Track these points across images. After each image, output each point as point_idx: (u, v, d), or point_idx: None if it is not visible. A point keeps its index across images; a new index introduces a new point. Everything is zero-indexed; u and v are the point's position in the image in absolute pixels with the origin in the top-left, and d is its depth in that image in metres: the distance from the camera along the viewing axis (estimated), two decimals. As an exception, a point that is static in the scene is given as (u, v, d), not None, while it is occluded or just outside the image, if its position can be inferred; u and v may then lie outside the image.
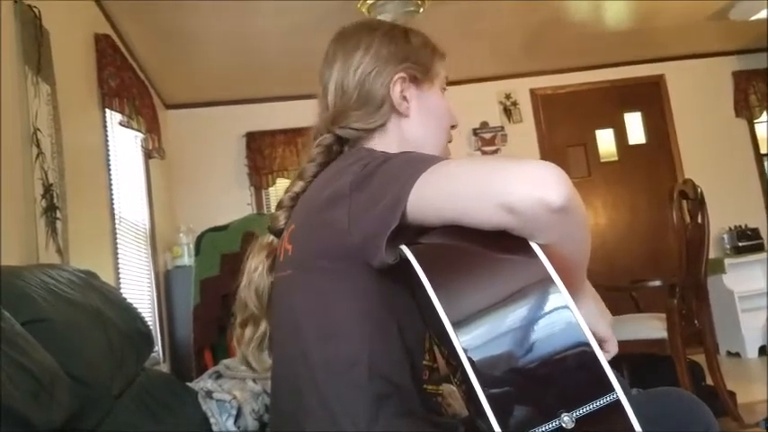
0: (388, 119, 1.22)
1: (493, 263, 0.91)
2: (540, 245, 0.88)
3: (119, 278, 3.56)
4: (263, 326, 1.26)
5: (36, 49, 2.55)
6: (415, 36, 1.28)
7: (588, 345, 0.82)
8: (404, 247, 0.92)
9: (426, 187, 0.92)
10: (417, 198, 0.92)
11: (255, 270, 1.27)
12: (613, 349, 1.08)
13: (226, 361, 1.92)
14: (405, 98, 1.23)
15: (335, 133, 1.22)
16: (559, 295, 0.85)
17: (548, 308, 0.84)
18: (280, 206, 1.26)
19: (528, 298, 0.85)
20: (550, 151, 5.93)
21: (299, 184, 1.23)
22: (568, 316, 0.84)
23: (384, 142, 1.22)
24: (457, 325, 0.82)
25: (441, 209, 0.92)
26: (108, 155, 3.63)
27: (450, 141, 1.31)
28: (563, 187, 0.84)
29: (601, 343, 1.07)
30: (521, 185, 0.84)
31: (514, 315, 0.84)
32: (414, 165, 0.97)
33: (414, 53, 1.25)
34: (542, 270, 0.86)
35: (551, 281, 0.85)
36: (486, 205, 0.86)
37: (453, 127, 1.31)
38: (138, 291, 4.11)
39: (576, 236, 0.93)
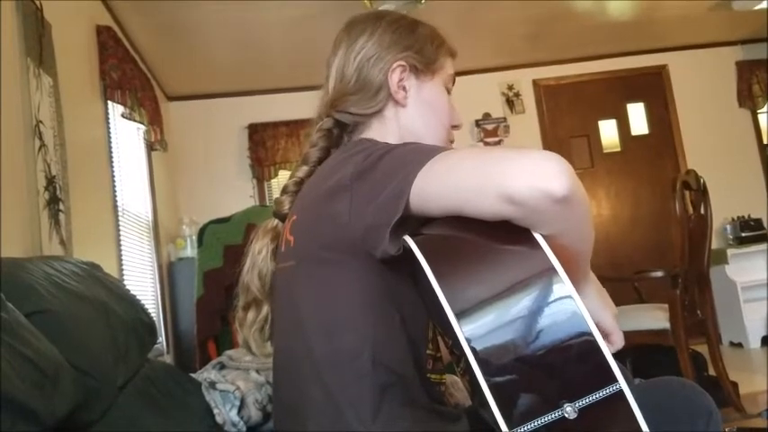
0: (384, 106, 1.22)
1: (496, 253, 0.91)
2: (543, 235, 0.89)
3: (122, 270, 3.57)
4: (266, 309, 1.27)
5: (38, 42, 2.55)
6: (423, 28, 1.27)
7: (591, 335, 0.83)
8: (407, 238, 0.92)
9: (429, 178, 0.92)
10: (420, 189, 0.92)
11: (260, 253, 1.27)
12: (619, 342, 1.08)
13: (229, 352, 1.93)
14: (403, 87, 1.22)
15: (334, 117, 1.22)
16: (562, 285, 0.85)
17: (550, 298, 0.85)
18: (285, 191, 1.26)
19: (531, 288, 0.86)
20: (553, 142, 5.92)
21: (304, 169, 1.24)
22: (571, 306, 0.84)
23: (382, 131, 1.21)
24: (460, 315, 0.82)
25: (443, 199, 0.92)
26: (110, 147, 3.63)
27: (452, 141, 1.30)
28: (565, 178, 0.83)
29: (606, 336, 1.07)
30: (522, 176, 0.84)
31: (517, 305, 0.84)
32: (416, 155, 0.97)
33: (417, 44, 1.24)
34: (545, 260, 0.86)
35: (554, 271, 0.85)
36: (487, 196, 0.86)
37: (456, 127, 1.30)
38: (142, 282, 4.12)
39: (579, 226, 0.93)
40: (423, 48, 1.24)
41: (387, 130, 1.22)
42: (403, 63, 1.22)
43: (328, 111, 1.23)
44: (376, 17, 1.27)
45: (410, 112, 1.23)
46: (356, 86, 1.21)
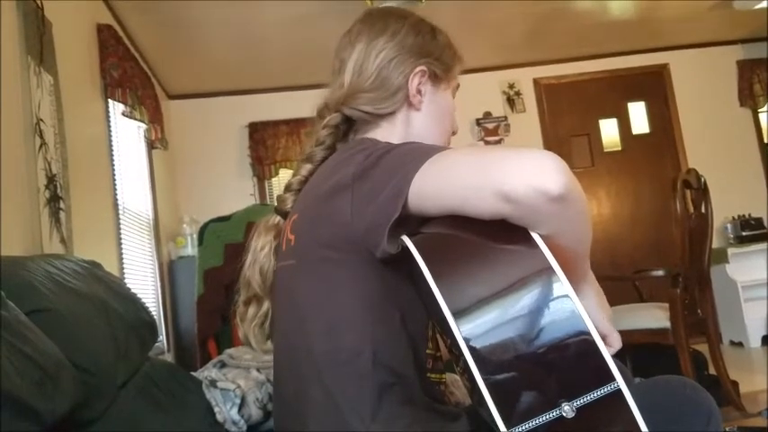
0: (398, 108, 1.23)
1: (494, 253, 0.91)
2: (540, 235, 0.89)
3: (122, 268, 3.57)
4: (266, 305, 1.27)
5: (38, 40, 2.55)
6: (441, 35, 1.29)
7: (589, 334, 0.83)
8: (405, 238, 0.92)
9: (427, 177, 0.93)
10: (418, 188, 0.93)
11: (262, 250, 1.27)
12: (617, 343, 1.08)
13: (230, 350, 1.93)
14: (419, 92, 1.23)
15: (344, 113, 1.22)
16: (560, 285, 0.85)
17: (548, 297, 0.85)
18: (288, 189, 1.26)
19: (528, 287, 0.86)
20: (554, 141, 5.91)
21: (308, 167, 1.23)
22: (569, 305, 0.84)
23: (389, 132, 1.22)
24: (457, 314, 0.82)
25: (441, 198, 0.92)
26: (111, 145, 3.64)
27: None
28: (561, 176, 0.84)
29: (603, 338, 1.07)
30: (518, 174, 0.84)
31: (515, 305, 0.84)
32: (415, 155, 0.97)
33: (438, 50, 1.26)
34: (543, 260, 0.86)
35: (552, 270, 0.86)
36: (484, 194, 0.86)
37: (453, 133, 1.33)
38: (142, 281, 4.13)
39: (576, 226, 0.93)
40: (442, 55, 1.26)
41: (394, 131, 1.23)
42: (424, 68, 1.23)
43: (338, 106, 1.23)
44: (397, 16, 1.27)
45: (421, 117, 1.25)
46: (374, 85, 1.22)
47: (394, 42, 1.22)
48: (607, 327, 1.08)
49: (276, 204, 1.28)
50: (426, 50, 1.24)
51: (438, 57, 1.26)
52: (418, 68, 1.22)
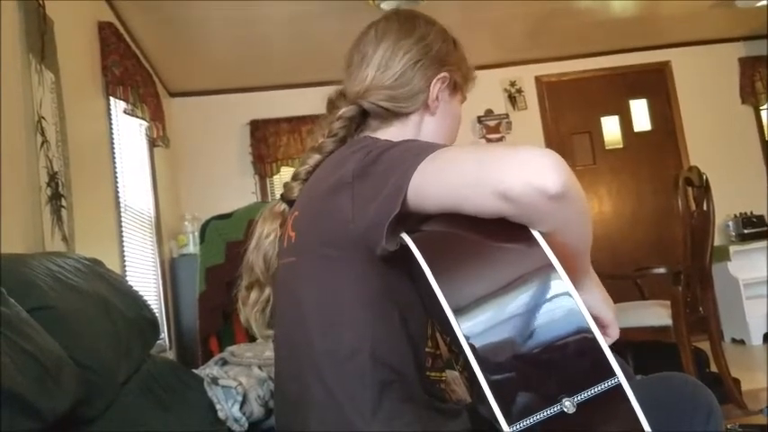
0: (414, 111, 1.24)
1: (494, 250, 0.91)
2: (540, 232, 0.89)
3: (124, 266, 3.57)
4: (267, 291, 1.27)
5: (40, 38, 2.55)
6: (460, 48, 1.32)
7: (589, 331, 0.83)
8: (404, 236, 0.92)
9: (426, 175, 0.93)
10: (418, 185, 0.93)
11: (267, 237, 1.27)
12: (614, 334, 1.09)
13: (231, 348, 1.93)
14: (437, 97, 1.25)
15: (362, 106, 1.22)
16: (560, 282, 0.85)
17: (549, 294, 0.85)
18: (296, 178, 1.26)
19: (529, 285, 0.86)
20: (555, 139, 5.91)
21: (316, 158, 1.23)
22: (570, 302, 0.84)
23: (399, 132, 1.22)
24: (458, 312, 0.82)
25: (440, 196, 0.92)
26: (112, 143, 3.64)
27: None
28: (560, 174, 0.83)
29: (604, 328, 1.07)
30: (516, 172, 0.84)
31: (516, 302, 0.84)
32: (415, 152, 0.97)
33: (459, 61, 1.30)
34: (543, 257, 0.86)
35: (552, 268, 0.86)
36: (483, 193, 0.87)
37: None
38: (144, 279, 4.13)
39: (576, 224, 0.93)
40: (461, 66, 1.30)
41: (404, 131, 1.23)
42: (446, 75, 1.25)
43: (356, 98, 1.23)
44: (426, 21, 1.29)
45: (433, 122, 1.26)
46: (397, 83, 1.23)
47: (421, 45, 1.24)
48: (611, 318, 1.08)
49: (283, 192, 1.28)
50: (449, 59, 1.27)
51: (459, 67, 1.29)
52: (441, 74, 1.24)
